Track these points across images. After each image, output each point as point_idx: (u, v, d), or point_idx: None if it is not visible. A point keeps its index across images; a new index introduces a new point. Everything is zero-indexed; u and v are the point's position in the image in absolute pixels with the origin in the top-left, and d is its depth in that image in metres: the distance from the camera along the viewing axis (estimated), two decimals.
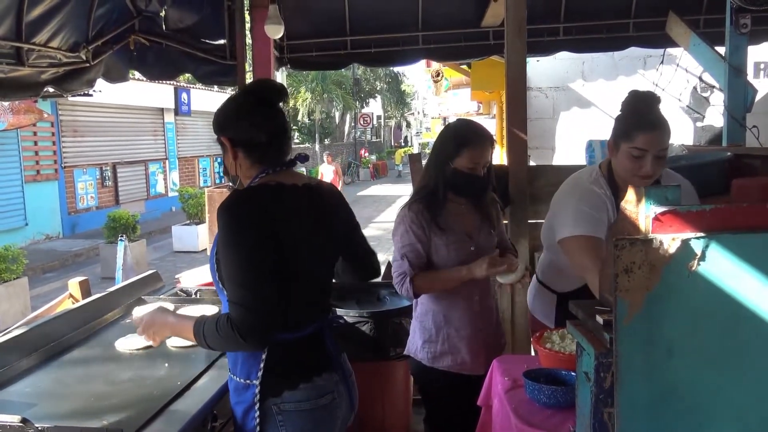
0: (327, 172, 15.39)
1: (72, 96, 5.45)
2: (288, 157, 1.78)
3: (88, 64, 3.77)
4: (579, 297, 2.09)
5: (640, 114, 2.02)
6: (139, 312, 2.09)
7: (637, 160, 2.00)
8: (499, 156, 8.21)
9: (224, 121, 1.75)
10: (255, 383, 1.68)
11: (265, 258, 1.60)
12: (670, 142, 2.14)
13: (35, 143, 12.37)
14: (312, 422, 1.71)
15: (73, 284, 3.30)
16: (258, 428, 1.68)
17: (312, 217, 1.77)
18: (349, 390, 1.87)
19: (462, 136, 2.27)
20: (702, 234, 1.14)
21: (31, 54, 3.36)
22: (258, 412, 1.67)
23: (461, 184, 2.28)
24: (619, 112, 2.09)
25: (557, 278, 2.39)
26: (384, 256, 10.37)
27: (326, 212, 1.84)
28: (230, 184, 1.86)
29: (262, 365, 1.68)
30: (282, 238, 1.65)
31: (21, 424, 1.59)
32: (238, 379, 1.72)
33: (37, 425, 1.61)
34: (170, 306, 2.76)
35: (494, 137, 2.35)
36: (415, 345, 2.39)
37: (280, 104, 1.76)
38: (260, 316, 1.57)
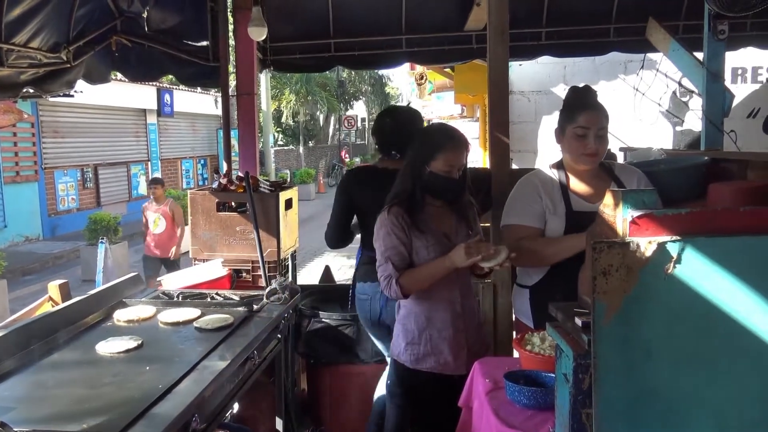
0: (151, 218, 7.39)
1: (52, 97, 5.38)
2: None
3: (68, 65, 3.73)
4: (544, 287, 2.29)
5: (580, 99, 2.33)
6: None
7: (582, 139, 2.26)
8: (483, 159, 8.26)
9: None
10: None
11: None
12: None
13: (15, 144, 12.18)
14: None
15: (53, 287, 3.25)
16: None
17: None
18: None
19: (437, 141, 2.30)
20: (678, 237, 1.16)
21: (10, 54, 3.32)
22: None
23: (438, 187, 2.31)
24: (562, 108, 2.38)
25: (523, 272, 2.48)
26: None
27: None
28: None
29: None
30: None
31: None
32: None
33: (15, 430, 1.59)
34: (152, 309, 2.74)
35: (469, 140, 2.41)
36: (399, 348, 2.40)
37: None
38: None
